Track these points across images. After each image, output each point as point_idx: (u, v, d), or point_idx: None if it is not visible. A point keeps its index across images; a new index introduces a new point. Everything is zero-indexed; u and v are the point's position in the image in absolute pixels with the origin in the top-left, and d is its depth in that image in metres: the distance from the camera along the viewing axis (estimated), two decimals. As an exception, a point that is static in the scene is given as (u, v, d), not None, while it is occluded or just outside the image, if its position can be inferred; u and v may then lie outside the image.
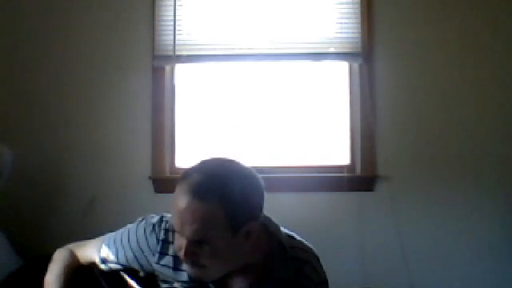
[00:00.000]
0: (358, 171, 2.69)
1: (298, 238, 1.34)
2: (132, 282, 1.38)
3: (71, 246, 1.45)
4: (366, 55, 2.68)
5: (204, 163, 1.21)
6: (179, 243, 1.18)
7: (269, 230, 1.29)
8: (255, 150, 2.75)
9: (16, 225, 2.48)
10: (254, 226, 1.20)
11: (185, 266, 1.22)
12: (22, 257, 2.28)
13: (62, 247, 1.44)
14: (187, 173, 1.18)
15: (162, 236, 1.31)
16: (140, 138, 2.69)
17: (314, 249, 1.32)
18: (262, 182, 1.22)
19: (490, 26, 2.69)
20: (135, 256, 1.34)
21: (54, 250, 1.44)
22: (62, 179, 2.69)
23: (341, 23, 2.70)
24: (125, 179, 2.68)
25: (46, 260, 1.41)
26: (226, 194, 1.14)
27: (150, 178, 2.66)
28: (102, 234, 1.45)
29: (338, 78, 2.80)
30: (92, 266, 1.40)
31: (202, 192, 1.13)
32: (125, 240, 1.35)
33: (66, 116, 2.71)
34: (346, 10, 2.70)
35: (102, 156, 2.69)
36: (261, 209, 1.22)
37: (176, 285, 1.31)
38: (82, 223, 2.61)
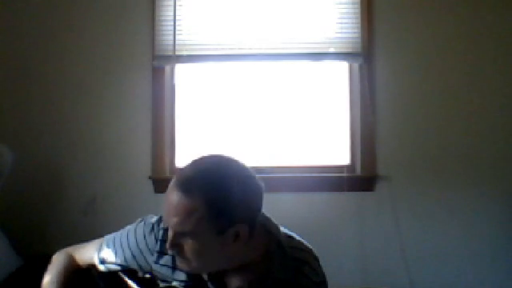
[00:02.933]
0: (358, 171, 2.69)
1: (298, 238, 1.34)
2: (131, 283, 1.38)
3: (70, 248, 1.45)
4: (365, 55, 2.68)
5: (202, 159, 1.21)
6: (168, 233, 1.19)
7: (268, 229, 1.29)
8: (255, 150, 2.75)
9: (16, 225, 2.48)
10: (244, 229, 1.17)
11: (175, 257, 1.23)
12: (21, 257, 2.28)
13: (61, 250, 1.45)
14: (183, 168, 1.20)
15: (160, 235, 1.31)
16: (140, 138, 2.70)
17: (313, 249, 1.32)
18: (261, 185, 1.20)
19: (489, 25, 2.69)
20: (134, 256, 1.34)
21: (54, 250, 1.44)
22: (62, 179, 2.69)
23: (341, 23, 2.70)
24: (125, 179, 2.68)
25: (46, 260, 1.41)
26: (212, 192, 1.13)
27: (150, 177, 2.67)
28: (102, 233, 1.45)
29: (338, 78, 2.80)
30: (91, 267, 1.40)
31: (188, 186, 1.14)
32: (124, 241, 1.36)
33: (66, 116, 2.71)
34: (345, 10, 2.70)
35: (102, 156, 2.69)
36: (257, 211, 1.21)
37: (174, 284, 1.31)
38: (82, 223, 2.61)
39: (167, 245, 1.18)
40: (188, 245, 1.16)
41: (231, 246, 1.17)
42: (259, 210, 1.22)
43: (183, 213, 1.13)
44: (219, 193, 1.14)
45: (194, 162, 1.20)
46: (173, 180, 1.17)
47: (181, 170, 1.20)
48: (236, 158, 1.22)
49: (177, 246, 1.17)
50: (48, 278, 1.36)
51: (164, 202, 1.17)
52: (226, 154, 1.24)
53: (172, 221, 1.14)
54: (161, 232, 1.32)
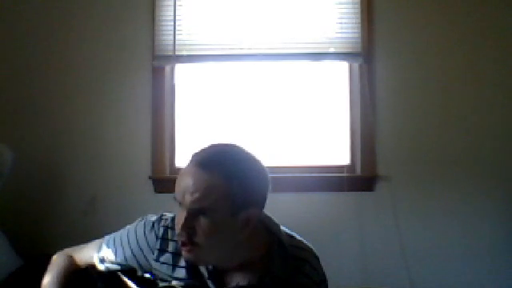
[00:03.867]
0: (358, 171, 2.69)
1: (298, 237, 1.34)
2: (130, 283, 1.38)
3: (69, 249, 1.46)
4: (365, 55, 2.68)
5: (215, 145, 1.23)
6: (178, 218, 1.19)
7: (269, 228, 1.29)
8: (255, 150, 2.74)
9: (16, 225, 2.48)
10: (255, 214, 1.19)
11: (181, 247, 1.21)
12: (21, 257, 2.28)
13: (61, 251, 1.45)
14: (197, 152, 1.21)
15: (161, 233, 1.32)
16: (140, 137, 2.70)
17: (313, 248, 1.32)
18: (269, 175, 1.24)
19: (489, 25, 2.69)
20: (134, 255, 1.34)
21: (54, 250, 1.45)
22: (62, 179, 2.69)
23: (341, 23, 2.70)
24: (125, 179, 2.68)
25: (46, 260, 1.41)
26: (232, 169, 1.16)
27: (150, 178, 2.67)
28: (102, 233, 1.45)
29: (338, 77, 2.80)
30: (90, 267, 1.40)
31: (207, 163, 1.15)
32: (124, 239, 1.36)
33: (66, 116, 2.71)
34: (345, 10, 2.70)
35: (102, 156, 2.69)
36: (265, 199, 1.23)
37: (174, 283, 1.31)
38: (82, 223, 2.61)
39: (178, 229, 1.17)
40: (201, 225, 1.15)
41: (240, 232, 1.19)
42: (266, 197, 1.23)
43: (203, 188, 1.14)
44: (238, 173, 1.16)
45: (208, 146, 1.22)
46: (188, 162, 1.18)
47: (196, 153, 1.20)
48: (244, 147, 1.26)
49: (189, 228, 1.16)
50: (48, 279, 1.36)
51: (178, 182, 1.17)
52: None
53: (190, 197, 1.14)
54: (161, 230, 1.32)
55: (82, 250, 1.44)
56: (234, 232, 1.18)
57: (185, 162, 1.21)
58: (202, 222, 1.15)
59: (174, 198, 1.19)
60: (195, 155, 1.19)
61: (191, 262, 1.24)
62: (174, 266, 1.30)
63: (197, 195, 1.14)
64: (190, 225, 1.16)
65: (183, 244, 1.19)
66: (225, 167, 1.15)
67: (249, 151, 1.24)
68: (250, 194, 1.18)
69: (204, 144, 1.25)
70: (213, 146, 1.22)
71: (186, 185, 1.15)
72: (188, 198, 1.14)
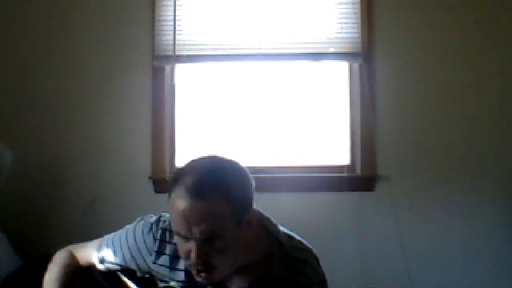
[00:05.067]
0: (358, 171, 2.69)
1: (298, 237, 1.34)
2: (130, 283, 1.38)
3: (71, 247, 1.45)
4: (365, 55, 2.68)
5: (192, 163, 1.21)
6: (185, 249, 1.16)
7: (268, 229, 1.29)
8: (255, 150, 2.75)
9: (16, 225, 2.48)
10: (253, 214, 1.21)
11: (194, 273, 1.19)
12: (22, 257, 2.28)
13: (62, 249, 1.45)
14: (178, 177, 1.17)
15: (159, 235, 1.31)
16: (140, 137, 2.70)
17: (313, 249, 1.32)
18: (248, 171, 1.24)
19: (490, 25, 2.69)
20: (133, 256, 1.34)
21: (54, 250, 1.45)
22: (62, 179, 2.69)
23: (341, 23, 2.70)
24: (125, 179, 2.68)
25: (46, 260, 1.41)
26: (224, 187, 1.15)
27: (150, 178, 2.67)
28: (102, 233, 1.45)
29: (338, 78, 2.80)
30: (91, 266, 1.40)
31: (201, 191, 1.12)
32: (123, 240, 1.36)
33: (66, 116, 2.71)
34: (345, 10, 2.70)
35: (101, 156, 2.69)
36: (253, 196, 1.23)
37: (172, 283, 1.31)
38: (82, 223, 2.61)
39: (192, 260, 1.15)
40: (215, 248, 1.14)
41: (246, 235, 1.19)
42: (253, 194, 1.24)
43: (208, 217, 1.12)
44: (230, 186, 1.15)
45: (187, 169, 1.19)
46: (178, 192, 1.14)
47: (178, 180, 1.15)
48: (215, 154, 1.24)
49: (204, 256, 1.14)
50: (49, 276, 1.36)
51: (179, 219, 1.13)
52: (206, 153, 1.25)
53: (199, 230, 1.12)
54: (159, 232, 1.32)
55: (82, 249, 1.44)
56: (241, 238, 1.19)
57: (177, 189, 1.16)
58: (217, 245, 1.14)
59: (177, 234, 1.16)
60: (182, 184, 1.14)
61: (208, 283, 1.23)
62: (172, 268, 1.30)
63: (205, 226, 1.12)
64: (204, 253, 1.14)
65: (201, 271, 1.17)
66: (219, 187, 1.14)
67: (225, 158, 1.23)
68: (246, 198, 1.19)
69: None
70: (194, 168, 1.19)
71: (189, 219, 1.12)
72: (196, 231, 1.12)
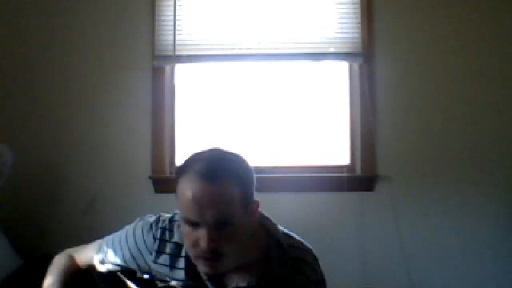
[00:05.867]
0: (358, 171, 2.69)
1: (297, 237, 1.34)
2: (130, 283, 1.39)
3: (70, 250, 1.46)
4: (366, 55, 2.68)
5: (197, 155, 1.22)
6: (194, 237, 1.16)
7: (267, 228, 1.29)
8: (255, 150, 2.75)
9: (16, 225, 2.48)
10: (256, 203, 1.23)
11: (200, 263, 1.19)
12: (21, 257, 2.28)
13: (62, 252, 1.45)
14: (186, 166, 1.18)
15: (158, 235, 1.32)
16: (140, 137, 2.70)
17: (312, 248, 1.33)
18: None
19: (489, 25, 2.69)
20: (133, 256, 1.34)
21: (54, 250, 1.45)
22: (62, 179, 2.69)
23: (341, 23, 2.70)
24: (125, 179, 2.68)
25: (46, 260, 1.42)
26: (234, 171, 1.17)
27: (150, 178, 2.67)
28: (102, 234, 1.45)
29: (338, 77, 2.80)
30: (91, 268, 1.40)
31: (213, 174, 1.14)
32: (123, 240, 1.36)
33: (66, 116, 2.71)
34: (345, 10, 2.70)
35: (102, 156, 2.69)
36: (255, 186, 1.25)
37: (173, 283, 1.32)
38: (82, 223, 2.61)
39: (203, 246, 1.14)
40: (226, 234, 1.15)
41: (250, 224, 1.22)
42: None
43: (221, 200, 1.14)
44: (239, 172, 1.18)
45: (192, 159, 1.20)
46: (187, 180, 1.15)
47: (186, 169, 1.17)
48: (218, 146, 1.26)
49: (214, 242, 1.14)
50: (49, 280, 1.36)
51: (191, 203, 1.13)
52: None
53: (211, 213, 1.13)
54: (159, 231, 1.32)
55: (82, 251, 1.45)
56: (247, 227, 1.20)
57: (186, 176, 1.17)
58: (226, 231, 1.15)
59: (187, 221, 1.16)
60: (193, 170, 1.15)
61: (213, 274, 1.22)
62: (172, 267, 1.30)
63: (217, 209, 1.13)
64: (214, 239, 1.14)
65: (209, 259, 1.17)
66: (229, 172, 1.16)
67: (226, 149, 1.25)
68: (251, 186, 1.21)
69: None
70: (201, 155, 1.20)
71: (202, 203, 1.13)
72: (208, 215, 1.13)
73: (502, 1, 2.70)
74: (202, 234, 1.14)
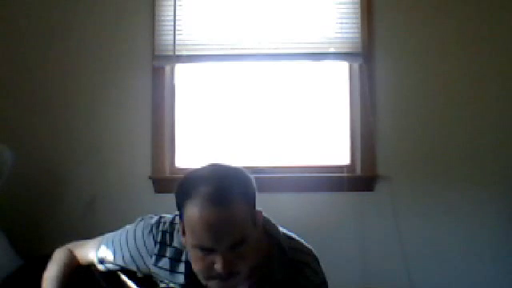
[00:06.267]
0: (358, 171, 2.69)
1: (298, 238, 1.34)
2: (130, 283, 1.38)
3: (70, 245, 1.45)
4: (366, 55, 2.68)
5: (197, 175, 1.18)
6: (207, 262, 1.13)
7: (268, 231, 1.29)
8: (255, 150, 2.75)
9: (16, 225, 2.48)
10: (259, 212, 1.23)
11: (212, 283, 1.17)
12: (21, 257, 2.28)
13: (61, 247, 1.44)
14: (190, 189, 1.14)
15: (159, 238, 1.31)
16: (140, 137, 2.69)
17: (313, 250, 1.32)
18: None
19: (489, 25, 2.69)
20: (132, 257, 1.34)
21: (54, 250, 1.44)
22: (62, 179, 2.69)
23: (341, 23, 2.70)
24: (125, 179, 2.68)
25: (46, 260, 1.41)
26: (242, 190, 1.16)
27: (150, 177, 2.66)
28: (101, 234, 1.45)
29: (338, 78, 2.80)
30: (91, 266, 1.40)
31: (224, 198, 1.11)
32: (123, 240, 1.35)
33: (66, 116, 2.71)
34: (345, 10, 2.70)
35: (102, 156, 2.69)
36: None
37: (172, 285, 1.31)
38: (82, 223, 2.61)
39: (219, 270, 1.12)
40: (240, 253, 1.13)
41: (257, 235, 1.20)
42: None
43: (236, 222, 1.12)
44: (247, 188, 1.18)
45: (198, 179, 1.16)
46: (196, 205, 1.11)
47: (192, 194, 1.13)
48: (213, 161, 1.24)
49: (231, 265, 1.13)
50: (48, 274, 1.35)
51: (205, 231, 1.10)
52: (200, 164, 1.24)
53: (228, 237, 1.11)
54: (160, 234, 1.31)
55: (82, 248, 1.43)
56: (256, 238, 1.19)
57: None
58: (240, 251, 1.13)
59: (200, 247, 1.13)
60: (200, 195, 1.11)
61: None
62: (172, 271, 1.30)
63: (233, 232, 1.11)
64: (229, 262, 1.13)
65: (224, 279, 1.15)
66: (236, 191, 1.14)
67: (223, 163, 1.23)
68: (254, 198, 1.20)
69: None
70: (203, 177, 1.16)
71: (216, 230, 1.10)
72: (225, 239, 1.11)
73: (502, 1, 2.70)
74: (217, 258, 1.12)
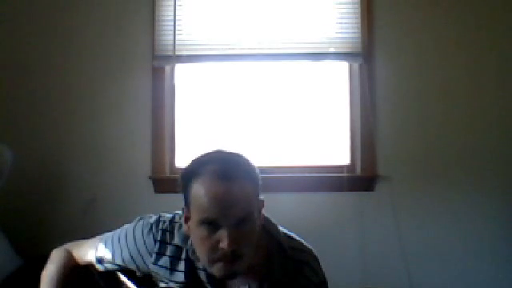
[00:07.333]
0: (358, 171, 2.69)
1: (298, 238, 1.34)
2: (129, 283, 1.38)
3: (68, 245, 1.44)
4: (366, 55, 2.68)
5: (203, 157, 1.23)
6: (213, 240, 1.15)
7: (268, 230, 1.29)
8: (255, 150, 2.75)
9: (16, 225, 2.48)
10: (262, 201, 1.25)
11: (217, 266, 1.18)
12: (21, 257, 2.28)
13: (60, 247, 1.44)
14: (197, 169, 1.19)
15: (159, 236, 1.31)
16: (140, 137, 2.69)
17: (313, 249, 1.32)
18: None
19: (489, 25, 2.69)
20: (132, 256, 1.33)
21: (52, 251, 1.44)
22: (62, 179, 2.69)
23: (341, 23, 2.70)
24: (125, 179, 2.68)
25: (46, 260, 1.41)
26: (247, 168, 1.21)
27: (150, 178, 2.67)
28: (101, 234, 1.45)
29: (338, 78, 2.80)
30: (89, 266, 1.40)
31: (231, 173, 1.16)
32: (122, 240, 1.35)
33: (66, 116, 2.71)
34: (345, 10, 2.70)
35: (102, 156, 2.69)
36: None
37: (172, 284, 1.31)
38: (82, 223, 2.61)
39: (224, 246, 1.14)
40: (243, 233, 1.16)
41: (259, 223, 1.23)
42: None
43: (241, 197, 1.16)
44: (250, 170, 1.21)
45: (205, 159, 1.21)
46: (203, 182, 1.16)
47: (199, 172, 1.18)
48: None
49: (236, 242, 1.15)
50: (46, 274, 1.35)
51: (212, 203, 1.14)
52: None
53: (234, 211, 1.15)
54: (159, 233, 1.31)
55: (80, 248, 1.43)
56: (258, 226, 1.23)
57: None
58: (245, 230, 1.17)
59: (207, 222, 1.16)
60: (207, 172, 1.17)
61: (229, 277, 1.21)
62: (172, 269, 1.30)
63: (238, 206, 1.15)
64: (235, 240, 1.15)
65: (228, 262, 1.16)
66: (242, 169, 1.19)
67: (228, 149, 1.27)
68: (259, 182, 1.23)
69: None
70: (209, 157, 1.22)
71: (224, 203, 1.14)
72: (231, 213, 1.14)
73: (502, 1, 2.70)
74: (222, 234, 1.15)
